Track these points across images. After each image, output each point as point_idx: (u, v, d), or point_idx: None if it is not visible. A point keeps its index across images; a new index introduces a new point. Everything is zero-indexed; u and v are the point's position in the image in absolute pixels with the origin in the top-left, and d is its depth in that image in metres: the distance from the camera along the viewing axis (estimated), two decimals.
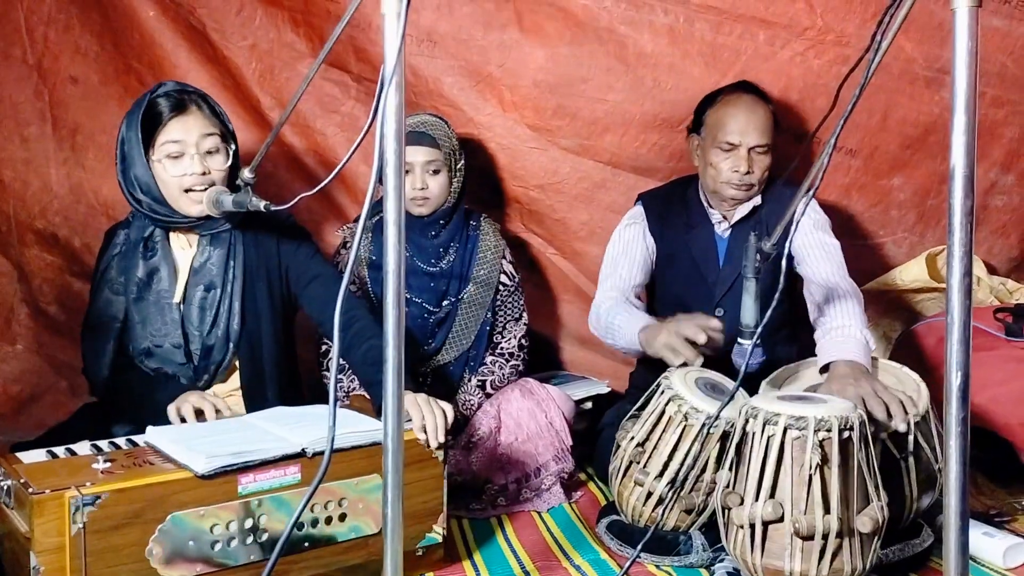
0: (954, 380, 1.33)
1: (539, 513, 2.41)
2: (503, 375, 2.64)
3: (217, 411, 2.13)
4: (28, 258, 2.85)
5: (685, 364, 2.27)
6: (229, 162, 2.24)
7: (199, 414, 2.12)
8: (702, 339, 2.23)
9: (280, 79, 2.89)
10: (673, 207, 2.70)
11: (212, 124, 2.23)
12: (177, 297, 2.26)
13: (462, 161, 2.64)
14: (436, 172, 2.56)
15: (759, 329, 1.92)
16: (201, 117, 2.22)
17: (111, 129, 2.25)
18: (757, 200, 2.60)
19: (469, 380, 2.63)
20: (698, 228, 2.66)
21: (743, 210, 2.61)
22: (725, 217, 2.64)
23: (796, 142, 2.77)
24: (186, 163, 2.19)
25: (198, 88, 2.32)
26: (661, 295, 2.75)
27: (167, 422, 2.05)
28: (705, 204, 2.66)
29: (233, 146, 2.27)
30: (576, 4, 2.74)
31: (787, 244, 2.03)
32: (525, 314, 2.73)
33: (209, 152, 2.22)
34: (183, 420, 2.11)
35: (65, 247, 2.87)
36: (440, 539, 2.03)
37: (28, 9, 2.78)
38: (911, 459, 2.03)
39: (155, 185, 2.20)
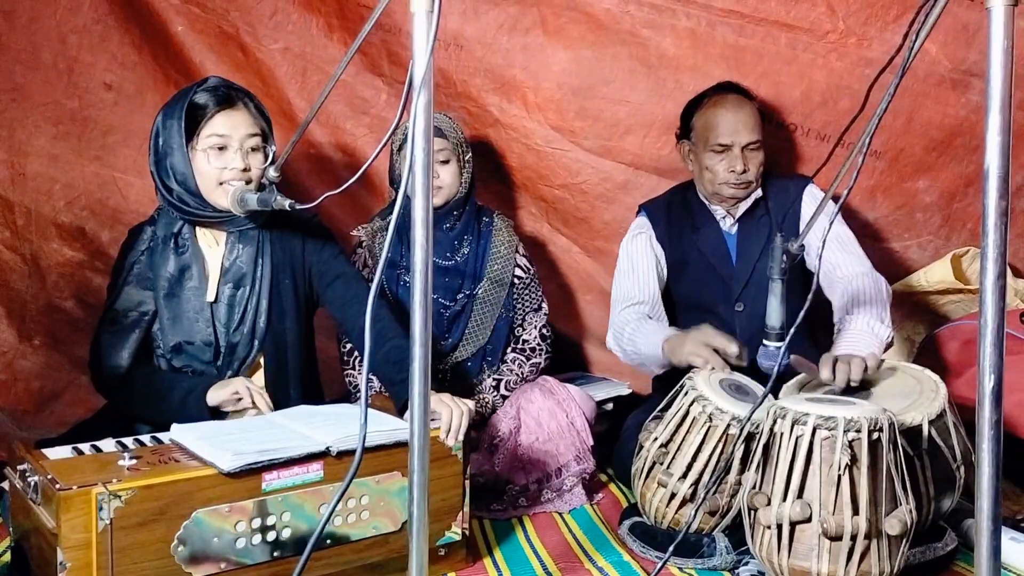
0: (987, 383, 1.32)
1: (560, 514, 2.41)
2: (521, 374, 2.64)
3: (254, 404, 2.15)
4: (46, 252, 2.88)
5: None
6: (267, 162, 2.25)
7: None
8: (733, 350, 2.24)
9: (312, 82, 2.93)
10: (676, 212, 2.72)
11: (256, 123, 2.25)
12: (211, 295, 2.27)
13: (470, 153, 2.66)
14: (445, 162, 2.58)
15: (791, 331, 1.92)
16: (247, 114, 2.24)
17: (146, 134, 2.30)
18: (758, 193, 2.63)
19: (486, 378, 2.63)
20: (705, 228, 2.68)
21: (746, 204, 2.63)
22: (729, 213, 2.65)
23: (820, 142, 2.79)
24: (229, 157, 2.21)
25: (249, 85, 2.32)
26: (680, 299, 2.75)
27: (182, 420, 2.06)
28: (707, 203, 2.68)
29: (272, 148, 2.28)
30: (599, 8, 2.77)
31: (820, 252, 2.04)
32: (545, 304, 2.74)
33: (252, 149, 2.23)
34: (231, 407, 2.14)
35: (91, 240, 2.90)
36: (459, 537, 2.03)
37: (61, 18, 2.84)
38: (925, 457, 2.01)
39: (191, 176, 2.21)
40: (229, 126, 2.21)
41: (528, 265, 2.73)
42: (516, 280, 2.69)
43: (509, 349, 2.68)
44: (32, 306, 2.85)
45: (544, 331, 2.71)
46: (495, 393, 2.60)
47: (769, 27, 2.73)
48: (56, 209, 2.87)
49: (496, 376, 2.63)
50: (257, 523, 1.76)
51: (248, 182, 2.22)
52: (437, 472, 1.96)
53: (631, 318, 2.62)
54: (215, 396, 2.15)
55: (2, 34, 2.80)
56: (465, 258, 2.65)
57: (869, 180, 2.85)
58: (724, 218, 2.66)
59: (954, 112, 2.76)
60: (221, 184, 2.21)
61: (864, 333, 2.33)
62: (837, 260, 2.50)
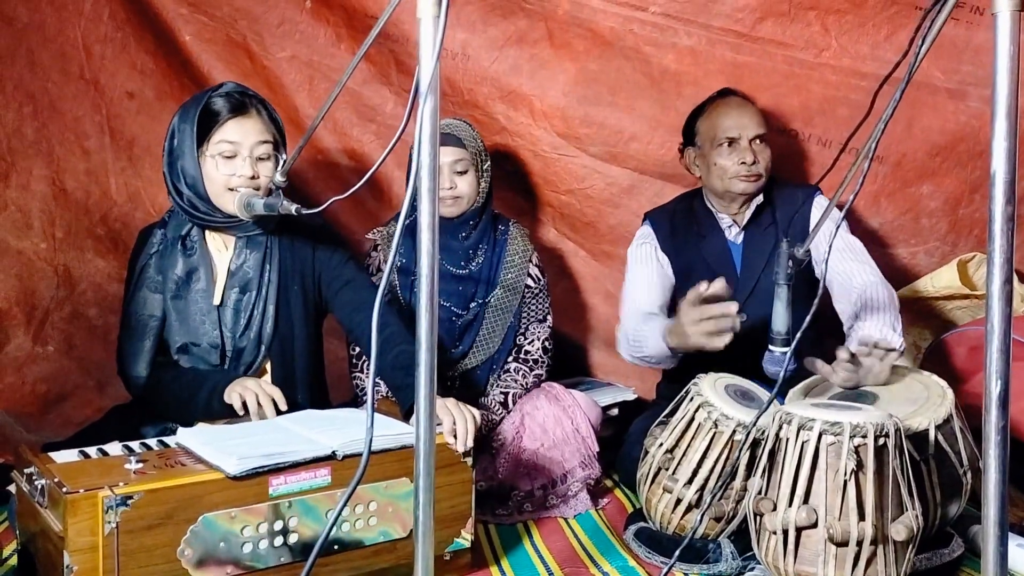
0: (993, 388, 1.32)
1: (566, 520, 2.40)
2: (525, 384, 2.63)
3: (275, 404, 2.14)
4: (79, 263, 2.93)
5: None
6: (277, 170, 2.25)
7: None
8: (733, 309, 2.17)
9: (320, 90, 2.96)
10: (681, 221, 2.72)
11: (268, 131, 2.26)
12: (216, 299, 2.28)
13: (488, 162, 2.66)
14: (463, 172, 2.57)
15: (797, 336, 1.91)
16: (259, 122, 2.25)
17: None
18: (760, 199, 2.63)
19: (493, 388, 2.63)
20: (710, 237, 2.68)
21: (751, 209, 2.64)
22: (735, 221, 2.66)
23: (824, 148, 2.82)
24: (237, 164, 2.22)
25: (258, 93, 2.33)
26: None
27: (207, 420, 2.06)
28: (714, 211, 2.68)
29: (283, 156, 2.28)
30: (603, 26, 2.83)
31: (827, 256, 2.04)
32: (550, 316, 2.73)
33: (260, 158, 2.24)
34: (244, 407, 2.12)
35: (125, 252, 2.93)
36: (468, 544, 2.03)
37: (85, 28, 2.88)
38: (932, 462, 2.01)
39: (201, 180, 2.23)
40: (240, 133, 2.22)
41: (539, 275, 2.72)
42: (525, 289, 2.69)
43: (511, 358, 2.67)
44: (56, 315, 2.89)
45: (547, 343, 2.70)
46: (503, 411, 2.58)
47: (765, 45, 2.81)
48: (94, 222, 2.94)
49: (503, 390, 2.61)
50: (264, 527, 1.76)
51: (257, 188, 2.22)
52: (446, 479, 1.95)
53: (634, 324, 2.61)
54: (227, 398, 2.15)
55: (34, 49, 2.84)
56: (479, 266, 2.65)
57: (872, 185, 2.87)
58: (730, 227, 2.66)
59: (954, 118, 2.78)
60: (230, 190, 2.22)
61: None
62: (851, 269, 2.49)
